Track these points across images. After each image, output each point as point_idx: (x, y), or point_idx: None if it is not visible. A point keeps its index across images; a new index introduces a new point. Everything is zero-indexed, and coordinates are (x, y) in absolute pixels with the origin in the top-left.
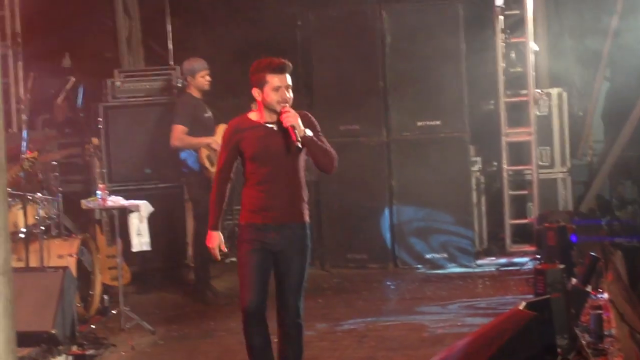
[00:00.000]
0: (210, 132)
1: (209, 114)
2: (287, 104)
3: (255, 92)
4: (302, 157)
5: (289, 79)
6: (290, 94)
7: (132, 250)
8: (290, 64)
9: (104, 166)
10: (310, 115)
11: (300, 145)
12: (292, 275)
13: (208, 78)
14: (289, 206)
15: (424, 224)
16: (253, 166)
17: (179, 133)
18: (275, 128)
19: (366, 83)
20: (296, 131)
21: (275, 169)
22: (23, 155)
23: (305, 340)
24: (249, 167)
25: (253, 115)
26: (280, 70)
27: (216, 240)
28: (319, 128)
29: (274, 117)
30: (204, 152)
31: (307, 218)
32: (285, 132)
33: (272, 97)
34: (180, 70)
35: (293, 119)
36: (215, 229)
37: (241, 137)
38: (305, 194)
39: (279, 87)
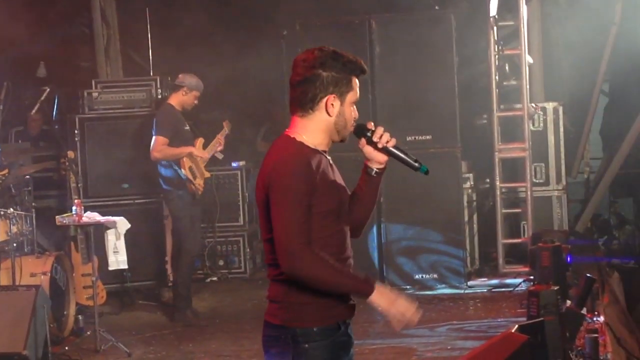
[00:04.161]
0: (189, 145)
1: (187, 127)
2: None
3: (332, 101)
4: None
5: None
6: None
7: (108, 268)
8: None
9: (79, 181)
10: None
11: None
12: None
13: (196, 102)
14: None
15: (413, 243)
16: (328, 226)
17: (159, 145)
18: (331, 161)
19: None
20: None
21: (346, 225)
22: None
23: None
24: (321, 228)
25: (308, 140)
26: (363, 75)
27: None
28: None
29: (328, 146)
30: (187, 164)
31: None
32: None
33: (350, 115)
34: (180, 77)
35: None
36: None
37: (317, 180)
38: None
39: (357, 100)
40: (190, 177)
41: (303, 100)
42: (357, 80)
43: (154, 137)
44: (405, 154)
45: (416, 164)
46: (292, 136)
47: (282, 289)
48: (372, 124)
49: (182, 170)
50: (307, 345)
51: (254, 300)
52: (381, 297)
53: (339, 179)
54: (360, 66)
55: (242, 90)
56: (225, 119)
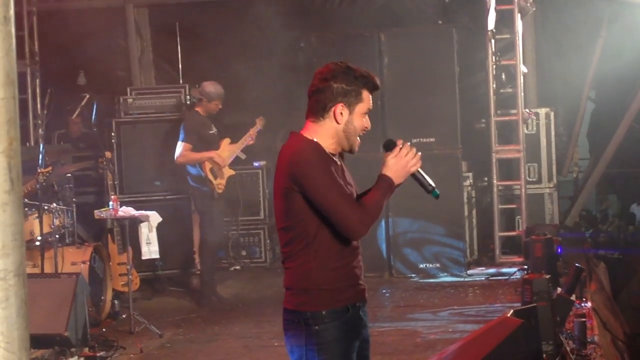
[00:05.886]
0: (214, 148)
1: (213, 130)
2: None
3: (340, 109)
4: None
5: None
6: None
7: (141, 258)
8: None
9: (115, 178)
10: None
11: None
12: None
13: (220, 106)
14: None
15: (417, 235)
16: None
17: (183, 150)
18: (339, 162)
19: None
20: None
21: None
22: (39, 170)
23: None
24: (328, 221)
25: (320, 142)
26: (376, 90)
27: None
28: None
29: (336, 150)
30: (208, 166)
31: None
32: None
33: (360, 124)
34: (200, 88)
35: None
36: (385, 176)
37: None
38: None
39: (368, 112)
40: (210, 177)
41: (315, 108)
42: (368, 93)
43: (179, 143)
44: (424, 177)
45: (429, 188)
46: (303, 134)
47: (294, 278)
48: (402, 141)
49: (203, 171)
50: (317, 327)
51: (273, 287)
52: (394, 170)
53: (348, 178)
54: (371, 81)
55: (262, 96)
56: (260, 116)
